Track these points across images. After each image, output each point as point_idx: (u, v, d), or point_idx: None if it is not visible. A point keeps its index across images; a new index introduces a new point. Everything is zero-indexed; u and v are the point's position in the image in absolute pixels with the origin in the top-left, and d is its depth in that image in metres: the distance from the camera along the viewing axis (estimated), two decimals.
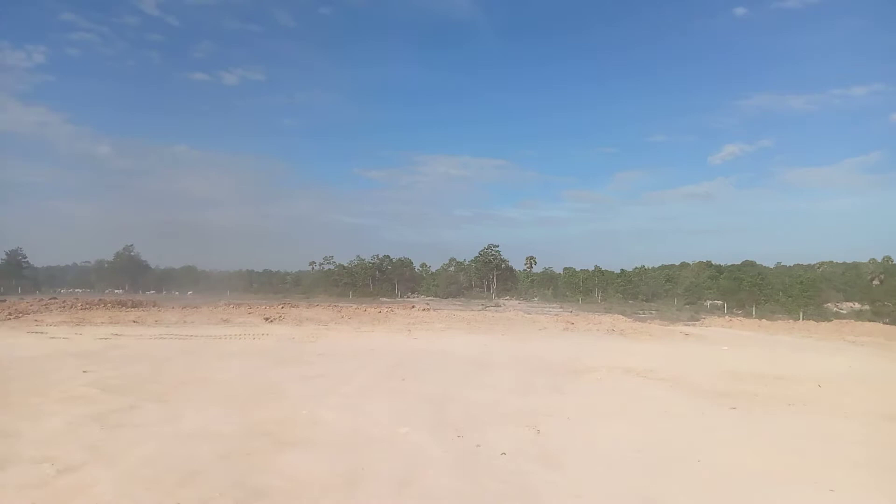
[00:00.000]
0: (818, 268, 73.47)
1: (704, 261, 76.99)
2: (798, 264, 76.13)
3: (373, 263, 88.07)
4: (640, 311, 48.18)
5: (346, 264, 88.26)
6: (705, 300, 63.13)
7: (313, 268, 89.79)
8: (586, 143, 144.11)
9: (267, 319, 27.48)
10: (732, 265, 74.57)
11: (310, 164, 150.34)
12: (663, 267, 79.24)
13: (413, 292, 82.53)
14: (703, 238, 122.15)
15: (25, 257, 76.64)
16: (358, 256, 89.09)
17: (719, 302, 59.75)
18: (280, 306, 36.94)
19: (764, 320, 37.13)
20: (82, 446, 6.72)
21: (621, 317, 35.53)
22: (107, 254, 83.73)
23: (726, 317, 41.80)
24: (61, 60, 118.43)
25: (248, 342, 18.25)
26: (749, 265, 74.39)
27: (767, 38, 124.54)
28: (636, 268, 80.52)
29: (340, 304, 43.75)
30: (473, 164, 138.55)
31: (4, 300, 37.78)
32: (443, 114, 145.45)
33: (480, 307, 48.74)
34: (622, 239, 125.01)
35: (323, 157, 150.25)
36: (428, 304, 52.27)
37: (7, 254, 72.56)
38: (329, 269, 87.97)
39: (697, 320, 37.81)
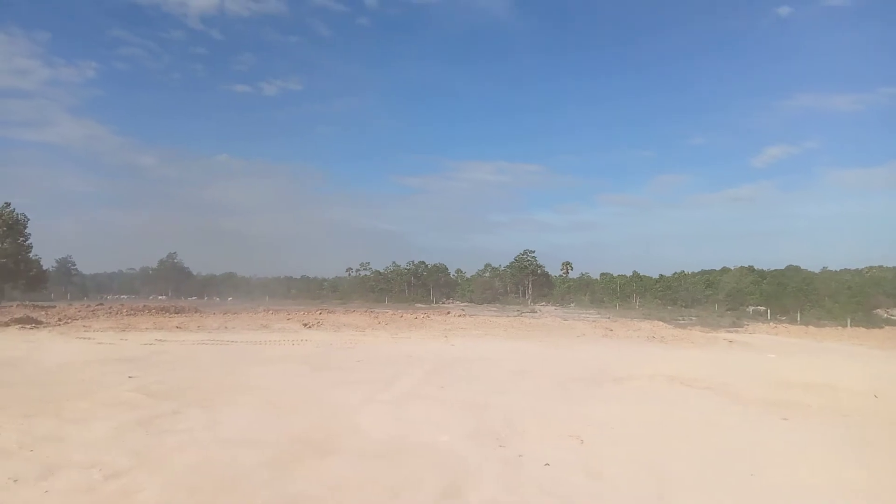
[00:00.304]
0: (866, 272, 70.78)
1: (746, 265, 75.04)
2: (845, 269, 73.51)
3: (408, 269, 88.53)
4: (680, 318, 47.16)
5: (382, 270, 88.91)
6: (747, 306, 61.50)
7: (350, 274, 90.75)
8: (624, 146, 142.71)
9: (305, 325, 27.75)
10: (776, 270, 72.46)
11: (346, 172, 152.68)
12: (703, 272, 77.57)
13: (448, 298, 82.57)
14: (745, 242, 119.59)
15: (74, 265, 79.47)
16: (394, 262, 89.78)
17: (762, 308, 58.11)
18: (318, 312, 37.31)
19: (811, 327, 35.95)
20: (128, 451, 6.81)
21: (661, 323, 34.84)
22: (151, 261, 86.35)
23: (771, 323, 40.63)
24: (110, 75, 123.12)
25: (288, 348, 18.41)
26: (793, 270, 72.14)
27: (812, 36, 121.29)
28: (675, 273, 79.03)
29: (377, 310, 43.99)
30: (509, 169, 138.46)
31: (55, 306, 39.05)
32: (479, 120, 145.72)
33: (516, 313, 48.39)
34: (661, 243, 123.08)
35: (359, 164, 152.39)
36: (463, 309, 52.17)
37: (57, 261, 75.22)
38: (365, 276, 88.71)
39: (740, 327, 36.83)
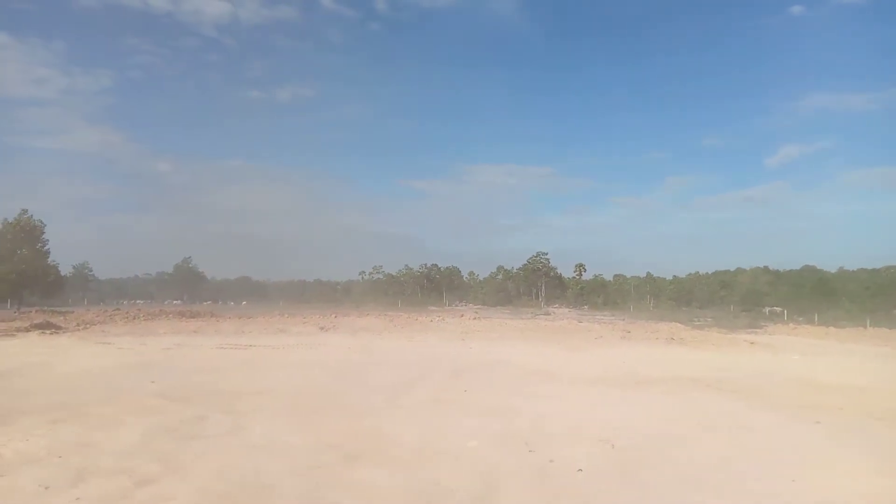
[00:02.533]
0: (884, 272, 69.81)
1: (761, 266, 74.36)
2: (862, 268, 72.59)
3: (421, 272, 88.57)
4: (696, 319, 46.72)
5: (394, 274, 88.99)
6: (763, 307, 60.85)
7: (363, 277, 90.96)
8: (635, 148, 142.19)
9: (322, 329, 27.77)
10: (791, 270, 71.77)
11: (358, 176, 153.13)
12: (718, 273, 76.98)
13: (461, 301, 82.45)
14: (760, 243, 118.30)
15: (91, 270, 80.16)
16: (406, 266, 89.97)
17: (778, 309, 57.49)
18: (333, 316, 37.38)
19: (831, 328, 35.46)
20: (156, 458, 6.76)
21: (679, 325, 34.54)
22: (166, 266, 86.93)
23: (790, 324, 40.14)
24: (125, 83, 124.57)
25: (306, 352, 18.39)
26: (809, 270, 71.37)
27: (825, 35, 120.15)
28: (689, 274, 78.47)
29: (391, 313, 43.99)
30: (520, 172, 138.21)
31: (73, 311, 39.38)
32: (489, 123, 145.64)
33: (530, 316, 48.19)
34: (674, 245, 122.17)
35: (371, 169, 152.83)
36: (476, 312, 52.06)
37: (74, 267, 75.88)
38: (378, 279, 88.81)
39: (758, 328, 36.43)
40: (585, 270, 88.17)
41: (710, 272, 77.38)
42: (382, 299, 77.63)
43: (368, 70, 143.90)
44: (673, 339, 24.73)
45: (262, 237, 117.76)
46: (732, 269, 76.33)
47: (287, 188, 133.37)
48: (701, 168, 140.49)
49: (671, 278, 79.38)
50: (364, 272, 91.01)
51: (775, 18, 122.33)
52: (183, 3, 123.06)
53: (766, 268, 74.01)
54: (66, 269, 67.37)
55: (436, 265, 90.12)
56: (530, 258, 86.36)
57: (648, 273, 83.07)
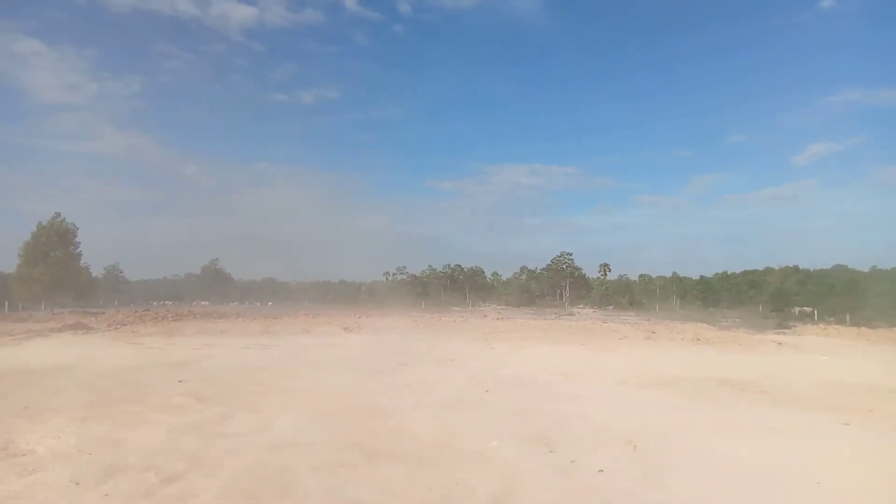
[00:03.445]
0: None
1: (790, 265, 72.86)
2: None
3: (444, 273, 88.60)
4: (723, 319, 45.96)
5: (418, 274, 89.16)
6: (793, 307, 59.62)
7: (387, 278, 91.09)
8: (660, 147, 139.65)
9: (346, 329, 27.97)
10: (822, 269, 70.19)
11: (382, 178, 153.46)
12: (746, 272, 75.56)
13: (484, 301, 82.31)
14: (788, 242, 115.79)
15: (122, 272, 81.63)
16: (429, 266, 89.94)
17: (808, 309, 56.26)
18: (357, 316, 37.57)
19: (863, 328, 34.62)
20: (182, 455, 6.90)
21: (705, 325, 34.01)
22: (194, 267, 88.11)
23: (820, 325, 39.29)
24: (154, 87, 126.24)
25: (331, 352, 18.54)
26: (840, 269, 69.69)
27: (857, 29, 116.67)
28: (716, 274, 77.19)
29: (414, 314, 44.11)
30: (544, 171, 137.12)
31: (104, 312, 40.25)
32: (513, 123, 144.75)
33: (554, 316, 47.90)
34: (701, 244, 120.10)
35: (395, 170, 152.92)
36: (500, 312, 51.91)
37: (105, 269, 77.40)
38: (402, 280, 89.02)
39: (787, 328, 35.70)
40: (610, 270, 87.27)
41: (737, 272, 76.05)
42: (406, 300, 77.75)
43: (393, 72, 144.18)
44: (698, 339, 24.38)
45: (287, 239, 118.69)
46: (761, 269, 74.93)
47: (312, 190, 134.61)
48: (727, 166, 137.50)
49: (698, 278, 78.14)
50: (388, 273, 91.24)
51: (804, 13, 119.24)
52: (210, 9, 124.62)
53: (795, 267, 72.52)
54: (97, 271, 68.72)
55: (459, 265, 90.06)
56: (554, 258, 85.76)
57: (674, 273, 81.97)
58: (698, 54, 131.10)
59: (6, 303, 48.15)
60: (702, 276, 77.34)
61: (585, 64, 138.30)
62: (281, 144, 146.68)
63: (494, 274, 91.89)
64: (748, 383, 12.75)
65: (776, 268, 73.86)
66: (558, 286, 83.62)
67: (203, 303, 67.88)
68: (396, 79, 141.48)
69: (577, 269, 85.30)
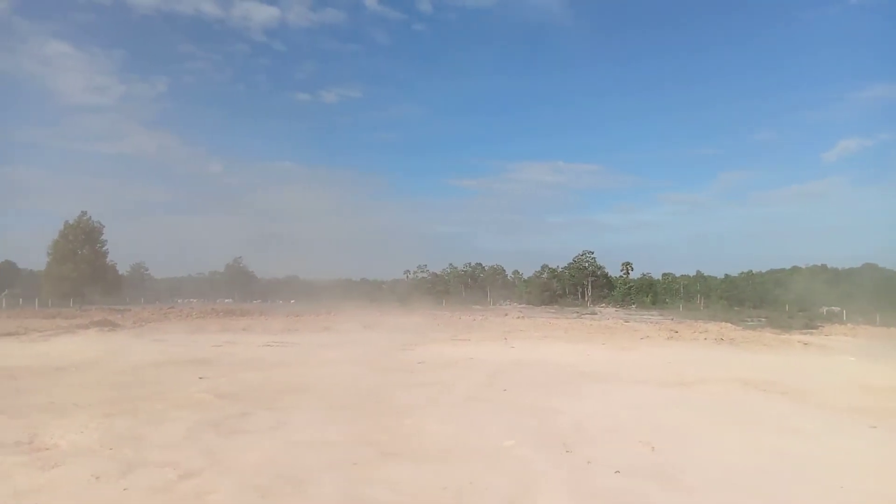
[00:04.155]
0: None
1: (818, 264, 71.49)
2: None
3: (465, 271, 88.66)
4: (748, 319, 45.24)
5: (438, 272, 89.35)
6: (820, 307, 58.44)
7: (408, 276, 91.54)
8: (685, 144, 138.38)
9: (366, 327, 28.11)
10: (851, 268, 68.74)
11: (403, 176, 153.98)
12: (772, 271, 74.38)
13: (505, 300, 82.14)
14: (817, 240, 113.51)
15: (147, 269, 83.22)
16: (450, 264, 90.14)
17: (836, 308, 55.10)
18: (378, 314, 37.76)
19: (894, 329, 33.83)
20: (201, 452, 6.99)
21: (729, 325, 33.51)
22: (218, 265, 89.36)
23: (848, 325, 38.46)
24: (179, 88, 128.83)
25: (350, 350, 18.64)
26: (870, 268, 68.15)
27: (887, 23, 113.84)
28: (742, 273, 76.06)
29: (435, 312, 44.19)
30: (567, 169, 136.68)
31: (130, 309, 41.00)
32: (535, 120, 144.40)
33: (575, 315, 47.61)
34: (726, 243, 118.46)
35: (416, 169, 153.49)
36: (521, 311, 51.76)
37: (131, 266, 78.88)
38: (423, 278, 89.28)
39: (814, 328, 35.02)
40: (633, 269, 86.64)
41: (763, 271, 74.96)
42: (427, 298, 77.95)
43: (414, 70, 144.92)
44: (722, 339, 24.04)
45: (309, 237, 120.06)
46: (788, 268, 73.74)
47: (334, 189, 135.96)
48: (754, 163, 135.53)
49: (723, 277, 77.15)
50: (409, 271, 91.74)
51: (833, 7, 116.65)
52: (233, 10, 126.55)
53: (823, 266, 71.26)
54: (123, 269, 70.11)
55: (480, 264, 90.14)
56: (576, 256, 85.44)
57: (699, 272, 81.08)
58: (725, 49, 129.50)
59: (36, 300, 49.28)
60: (726, 275, 76.39)
61: (608, 60, 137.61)
62: (303, 143, 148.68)
63: (515, 272, 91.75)
64: (772, 384, 12.53)
65: (803, 267, 72.55)
66: (580, 285, 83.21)
67: (227, 300, 68.78)
68: (417, 77, 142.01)
69: (600, 267, 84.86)
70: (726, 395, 11.36)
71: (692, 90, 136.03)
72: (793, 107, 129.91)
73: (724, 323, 34.90)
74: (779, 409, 10.20)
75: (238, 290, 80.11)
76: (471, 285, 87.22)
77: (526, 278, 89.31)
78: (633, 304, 74.55)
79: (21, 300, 49.65)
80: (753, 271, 75.31)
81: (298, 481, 6.05)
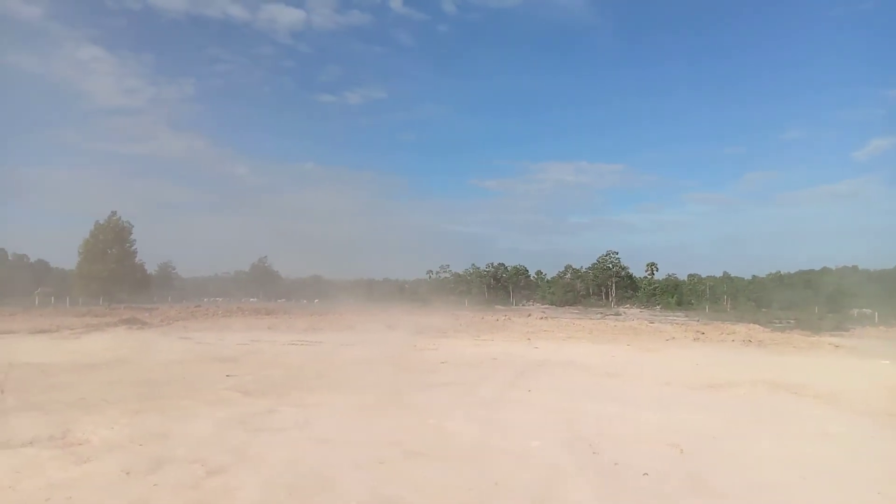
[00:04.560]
0: None
1: (849, 265, 69.88)
2: None
3: (488, 272, 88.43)
4: (777, 320, 44.41)
5: (461, 273, 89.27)
6: (851, 308, 57.12)
7: (430, 277, 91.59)
8: (711, 143, 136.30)
9: (388, 327, 28.17)
10: (884, 269, 67.02)
11: (426, 177, 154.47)
12: (801, 272, 72.86)
13: (528, 300, 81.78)
14: (848, 240, 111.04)
15: (174, 269, 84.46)
16: (473, 265, 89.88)
17: (868, 310, 53.79)
18: (401, 314, 37.84)
19: None
20: (228, 448, 7.05)
21: (757, 326, 32.95)
22: (243, 265, 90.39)
23: (881, 327, 37.54)
24: (207, 90, 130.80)
25: (373, 349, 18.70)
26: None
27: None
28: (770, 274, 74.70)
29: (457, 312, 44.15)
30: (590, 169, 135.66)
31: (157, 308, 41.67)
32: (558, 120, 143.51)
33: (599, 316, 47.19)
34: (753, 243, 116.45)
35: (439, 170, 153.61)
36: (544, 312, 51.46)
37: (159, 266, 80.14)
38: (445, 278, 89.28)
39: (845, 330, 34.25)
40: (658, 269, 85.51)
41: (792, 271, 73.52)
42: (449, 298, 77.95)
43: (437, 71, 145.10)
44: (750, 340, 23.62)
45: (333, 237, 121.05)
46: (818, 269, 72.21)
47: (357, 189, 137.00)
48: (782, 162, 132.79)
49: (750, 278, 75.85)
50: (431, 271, 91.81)
51: (867, 4, 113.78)
52: (259, 13, 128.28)
53: (854, 267, 69.65)
54: (151, 268, 71.28)
55: (502, 264, 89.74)
56: (600, 257, 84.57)
57: (725, 272, 79.72)
58: (752, 46, 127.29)
59: (67, 298, 50.36)
60: (754, 276, 75.07)
61: (632, 59, 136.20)
62: (327, 144, 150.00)
63: (539, 273, 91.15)
64: (803, 387, 12.26)
65: (833, 268, 70.99)
66: (604, 286, 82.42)
67: (252, 300, 69.56)
68: (441, 78, 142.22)
69: (624, 268, 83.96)
70: (755, 398, 11.14)
71: (718, 90, 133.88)
72: (823, 105, 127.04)
73: (751, 324, 34.33)
74: (811, 412, 9.98)
75: (263, 289, 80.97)
76: (493, 286, 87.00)
77: (549, 279, 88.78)
78: (658, 305, 73.65)
79: (53, 298, 50.78)
80: (782, 272, 73.94)
81: (325, 479, 6.07)
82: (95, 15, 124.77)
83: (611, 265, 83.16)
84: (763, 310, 60.03)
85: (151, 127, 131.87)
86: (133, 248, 57.17)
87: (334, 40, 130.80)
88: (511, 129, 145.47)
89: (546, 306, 71.32)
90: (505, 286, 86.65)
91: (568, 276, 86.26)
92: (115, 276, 53.64)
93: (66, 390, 10.58)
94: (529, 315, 42.14)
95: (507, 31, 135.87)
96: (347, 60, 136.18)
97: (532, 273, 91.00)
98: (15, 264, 67.36)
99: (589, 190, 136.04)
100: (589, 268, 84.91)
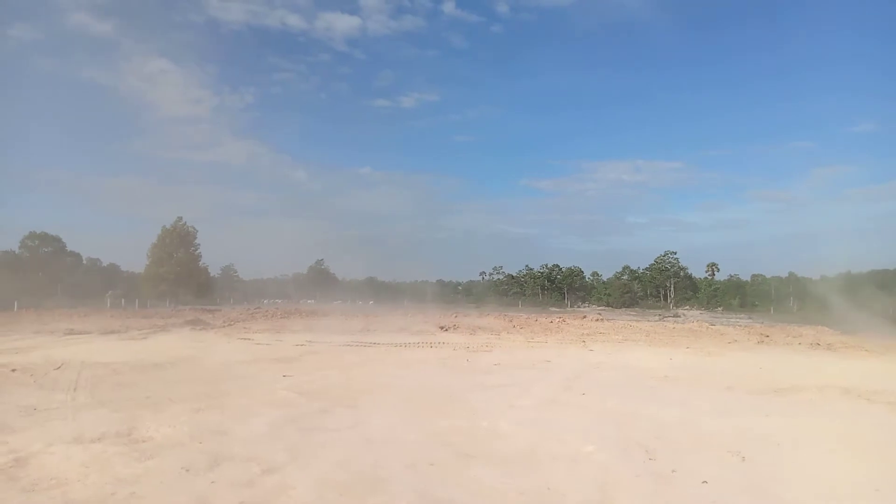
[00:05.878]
0: None
1: None
2: None
3: (542, 273, 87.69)
4: (846, 323, 42.21)
5: (514, 274, 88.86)
6: None
7: (483, 278, 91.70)
8: (776, 138, 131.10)
9: (442, 328, 28.25)
10: None
11: (480, 178, 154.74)
12: (874, 272, 69.10)
13: (584, 302, 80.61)
14: None
15: (236, 272, 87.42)
16: (527, 266, 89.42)
17: None
18: (453, 315, 37.93)
19: None
20: (283, 448, 7.19)
21: (826, 328, 31.46)
22: (301, 267, 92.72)
23: None
24: (266, 98, 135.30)
25: (426, 350, 18.79)
26: None
27: None
28: (840, 273, 71.10)
29: (511, 314, 43.90)
30: (647, 167, 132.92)
31: (220, 309, 43.13)
32: (614, 118, 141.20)
33: (658, 318, 46.06)
34: (822, 242, 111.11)
35: (493, 171, 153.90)
36: (600, 314, 50.57)
37: (222, 269, 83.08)
38: (498, 279, 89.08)
39: None
40: (719, 270, 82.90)
41: (864, 271, 69.84)
42: (503, 300, 77.70)
43: (491, 72, 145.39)
44: (818, 344, 22.56)
45: (388, 240, 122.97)
46: (892, 268, 68.40)
47: (412, 192, 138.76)
48: (852, 157, 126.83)
49: (818, 278, 72.52)
50: (485, 273, 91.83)
51: None
52: (316, 21, 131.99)
53: None
54: (214, 271, 73.92)
55: (557, 265, 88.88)
56: (658, 257, 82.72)
57: (791, 273, 76.55)
58: (818, 37, 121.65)
59: (136, 300, 52.73)
60: (823, 276, 71.63)
61: (690, 53, 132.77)
62: (382, 149, 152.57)
63: (594, 274, 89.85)
64: (877, 393, 11.59)
65: None
66: (662, 287, 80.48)
67: (309, 301, 71.06)
68: (494, 79, 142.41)
69: (683, 268, 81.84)
70: (825, 404, 10.60)
71: (782, 83, 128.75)
72: (894, 97, 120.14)
73: (820, 326, 32.81)
74: (884, 420, 9.43)
75: (319, 291, 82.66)
76: (548, 287, 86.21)
77: (605, 280, 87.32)
78: (720, 306, 71.34)
79: (123, 300, 53.28)
80: (852, 272, 70.31)
81: (377, 479, 6.11)
82: (162, 29, 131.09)
83: (669, 265, 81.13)
84: (832, 311, 57.24)
85: (214, 135, 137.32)
86: (197, 251, 59.59)
87: (389, 46, 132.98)
88: (565, 128, 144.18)
89: (602, 308, 70.16)
90: (559, 287, 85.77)
91: (625, 277, 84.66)
92: (181, 279, 55.93)
93: (133, 388, 11.04)
94: (584, 317, 41.47)
95: (560, 29, 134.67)
96: (401, 65, 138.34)
97: (587, 274, 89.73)
98: (88, 268, 71.03)
99: (645, 188, 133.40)
100: (646, 268, 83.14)
